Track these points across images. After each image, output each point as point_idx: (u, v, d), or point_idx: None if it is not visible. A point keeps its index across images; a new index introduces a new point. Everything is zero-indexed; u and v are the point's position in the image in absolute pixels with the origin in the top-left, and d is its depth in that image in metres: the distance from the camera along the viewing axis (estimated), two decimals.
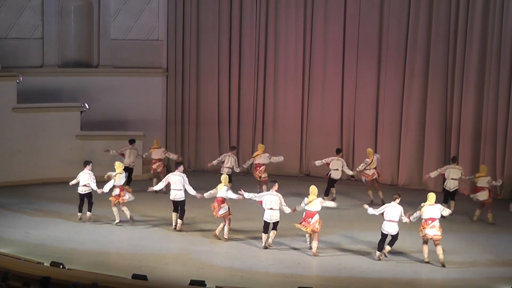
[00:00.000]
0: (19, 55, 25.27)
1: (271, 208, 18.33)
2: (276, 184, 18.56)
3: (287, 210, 18.43)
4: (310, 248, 18.26)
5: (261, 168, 23.10)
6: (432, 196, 17.89)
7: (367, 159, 22.74)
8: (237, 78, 26.77)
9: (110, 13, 26.06)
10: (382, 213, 17.94)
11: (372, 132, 25.69)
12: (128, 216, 20.15)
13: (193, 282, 14.92)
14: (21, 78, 24.24)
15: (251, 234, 19.49)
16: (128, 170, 22.86)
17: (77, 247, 18.42)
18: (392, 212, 17.81)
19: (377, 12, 25.17)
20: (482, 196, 21.07)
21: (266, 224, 18.45)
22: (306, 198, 18.27)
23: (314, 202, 18.19)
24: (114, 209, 20.09)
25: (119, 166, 20.33)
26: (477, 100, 24.01)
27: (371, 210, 18.14)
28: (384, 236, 17.88)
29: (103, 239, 19.06)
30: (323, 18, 25.78)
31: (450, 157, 24.50)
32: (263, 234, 18.48)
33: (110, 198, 20.05)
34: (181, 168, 20.02)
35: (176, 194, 19.71)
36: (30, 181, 24.12)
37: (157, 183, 21.65)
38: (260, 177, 23.08)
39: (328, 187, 22.78)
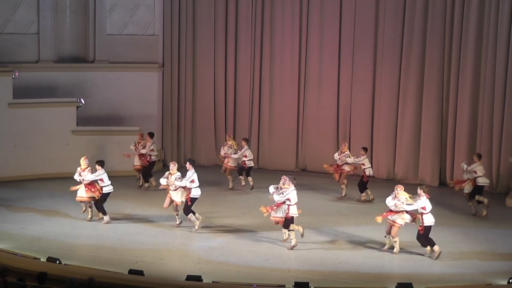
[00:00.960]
0: (14, 50, 25.23)
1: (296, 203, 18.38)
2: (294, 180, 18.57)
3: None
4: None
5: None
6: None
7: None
8: (233, 72, 26.76)
9: (106, 8, 26.01)
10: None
11: (368, 126, 25.70)
12: (90, 216, 19.96)
13: (189, 278, 14.94)
14: (16, 73, 24.20)
15: (247, 229, 19.51)
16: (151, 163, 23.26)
17: (73, 242, 18.42)
18: (429, 204, 17.79)
19: (373, 4, 25.16)
20: (467, 188, 21.05)
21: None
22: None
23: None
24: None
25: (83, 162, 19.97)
26: (473, 94, 24.02)
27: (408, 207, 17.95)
28: (428, 229, 17.72)
29: (99, 235, 19.03)
30: (319, 11, 25.77)
31: (446, 151, 24.57)
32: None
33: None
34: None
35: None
36: (26, 177, 24.09)
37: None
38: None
39: (365, 186, 22.59)
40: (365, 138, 25.45)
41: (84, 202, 19.95)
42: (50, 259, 15.73)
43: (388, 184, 24.44)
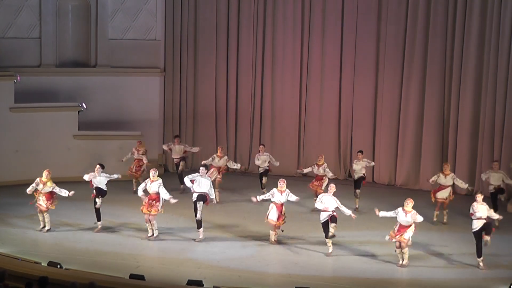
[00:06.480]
0: (16, 55, 25.24)
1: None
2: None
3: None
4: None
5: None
6: None
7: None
8: (235, 77, 26.78)
9: (108, 12, 26.05)
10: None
11: (370, 132, 25.71)
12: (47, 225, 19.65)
13: (190, 282, 14.95)
14: (18, 77, 24.22)
15: (248, 235, 19.52)
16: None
17: (74, 247, 18.42)
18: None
19: (375, 9, 25.19)
20: (442, 194, 21.00)
21: None
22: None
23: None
24: (45, 215, 19.65)
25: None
26: (474, 99, 24.04)
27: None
28: None
29: (100, 239, 19.05)
30: (321, 16, 25.79)
31: (447, 156, 24.58)
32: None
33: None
34: None
35: None
36: (27, 181, 23.80)
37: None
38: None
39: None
40: (367, 143, 25.45)
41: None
42: (51, 264, 15.74)
43: (389, 189, 24.52)
